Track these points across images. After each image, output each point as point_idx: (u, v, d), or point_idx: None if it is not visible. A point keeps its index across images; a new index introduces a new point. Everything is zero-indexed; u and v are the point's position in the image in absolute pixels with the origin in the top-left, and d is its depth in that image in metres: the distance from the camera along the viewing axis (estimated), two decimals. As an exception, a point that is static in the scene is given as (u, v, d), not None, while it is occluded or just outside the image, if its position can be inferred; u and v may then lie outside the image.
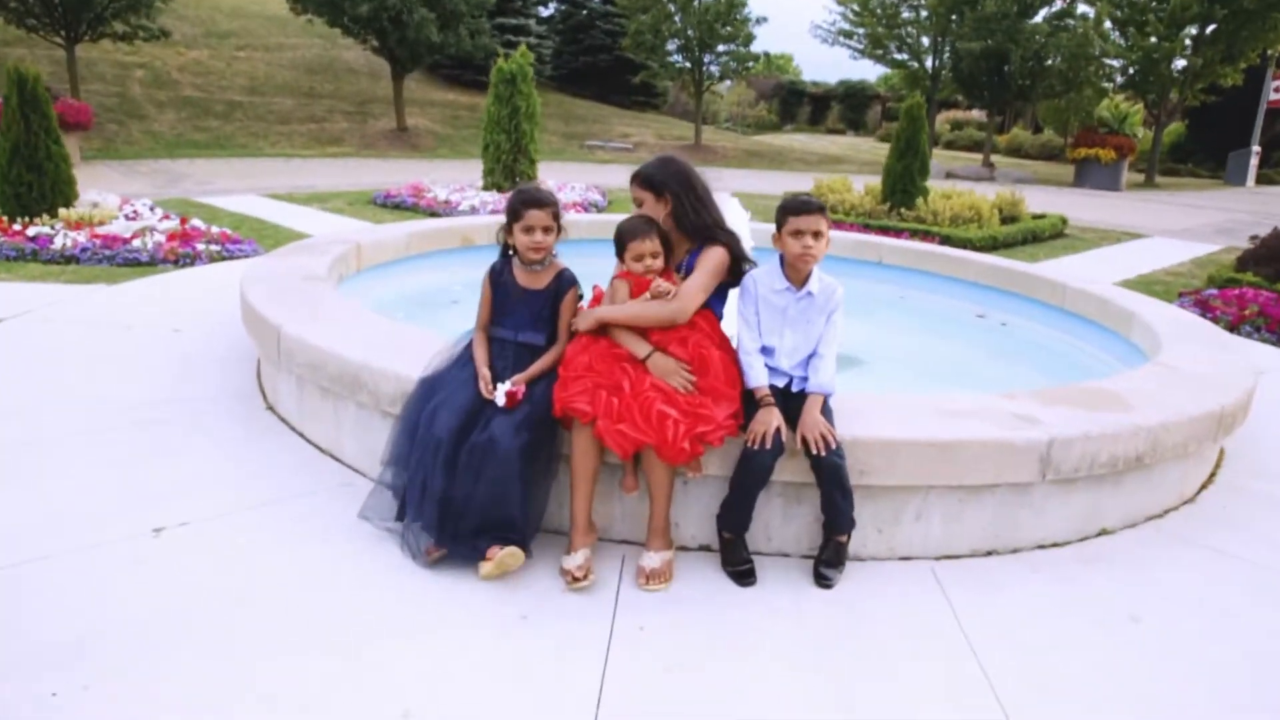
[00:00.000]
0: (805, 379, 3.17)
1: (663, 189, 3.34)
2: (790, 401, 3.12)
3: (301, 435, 4.09)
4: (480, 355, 3.31)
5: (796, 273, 3.18)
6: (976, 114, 45.04)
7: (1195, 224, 16.20)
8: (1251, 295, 8.11)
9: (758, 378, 3.10)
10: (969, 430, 3.21)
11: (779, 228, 3.18)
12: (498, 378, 3.16)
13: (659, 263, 3.27)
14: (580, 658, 2.62)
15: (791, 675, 2.60)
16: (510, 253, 3.38)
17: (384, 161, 21.18)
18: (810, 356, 3.19)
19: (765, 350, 3.20)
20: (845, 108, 56.60)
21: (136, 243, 8.04)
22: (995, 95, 27.61)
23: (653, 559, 3.04)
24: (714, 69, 28.22)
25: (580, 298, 3.38)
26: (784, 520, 3.26)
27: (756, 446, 2.92)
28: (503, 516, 3.00)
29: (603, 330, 3.23)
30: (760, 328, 3.21)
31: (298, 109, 25.06)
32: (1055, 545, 3.49)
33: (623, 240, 3.27)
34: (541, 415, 3.09)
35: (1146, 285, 9.39)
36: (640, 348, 3.12)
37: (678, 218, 3.34)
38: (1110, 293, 6.16)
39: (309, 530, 3.26)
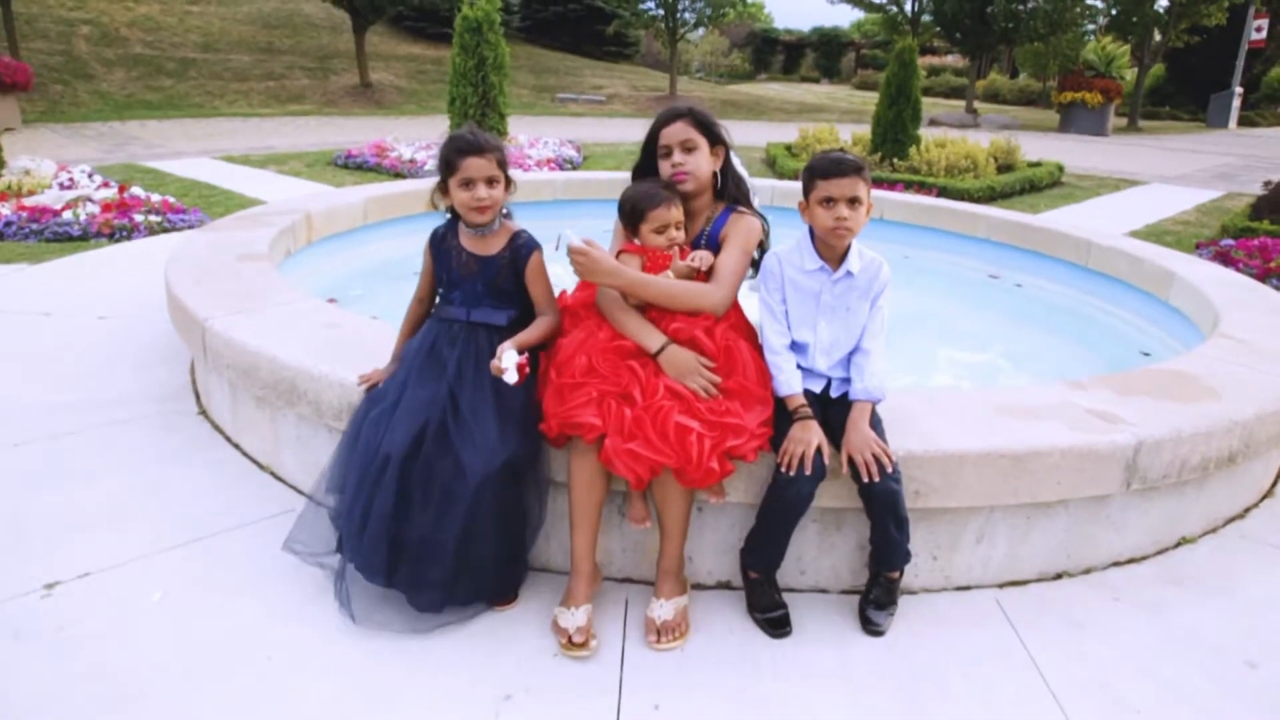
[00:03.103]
0: (846, 381, 2.57)
1: (719, 137, 2.75)
2: (829, 409, 2.53)
3: (237, 447, 3.46)
4: (399, 338, 2.80)
5: (830, 249, 2.55)
6: (952, 60, 44.20)
7: (1190, 169, 15.67)
8: (1274, 246, 7.59)
9: (789, 383, 2.48)
10: (1043, 436, 2.63)
11: (806, 193, 2.54)
12: (444, 367, 2.54)
13: (682, 235, 2.66)
14: (580, 756, 2.05)
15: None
16: (453, 215, 2.73)
17: (347, 119, 20.19)
18: (852, 353, 2.58)
19: (796, 347, 2.59)
20: (819, 55, 55.61)
21: (68, 215, 7.25)
22: (977, 39, 26.78)
23: (664, 609, 2.46)
24: (688, 16, 27.23)
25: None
26: (820, 550, 2.69)
27: (793, 472, 2.33)
28: (480, 564, 2.41)
29: (589, 311, 2.63)
30: (789, 319, 2.59)
31: (255, 66, 23.88)
32: (1132, 561, 2.95)
33: (640, 208, 2.62)
34: (528, 422, 2.48)
35: (1157, 236, 8.85)
36: (652, 338, 2.50)
37: (723, 176, 2.75)
38: (1142, 249, 5.60)
39: (239, 578, 2.66)
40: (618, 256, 2.67)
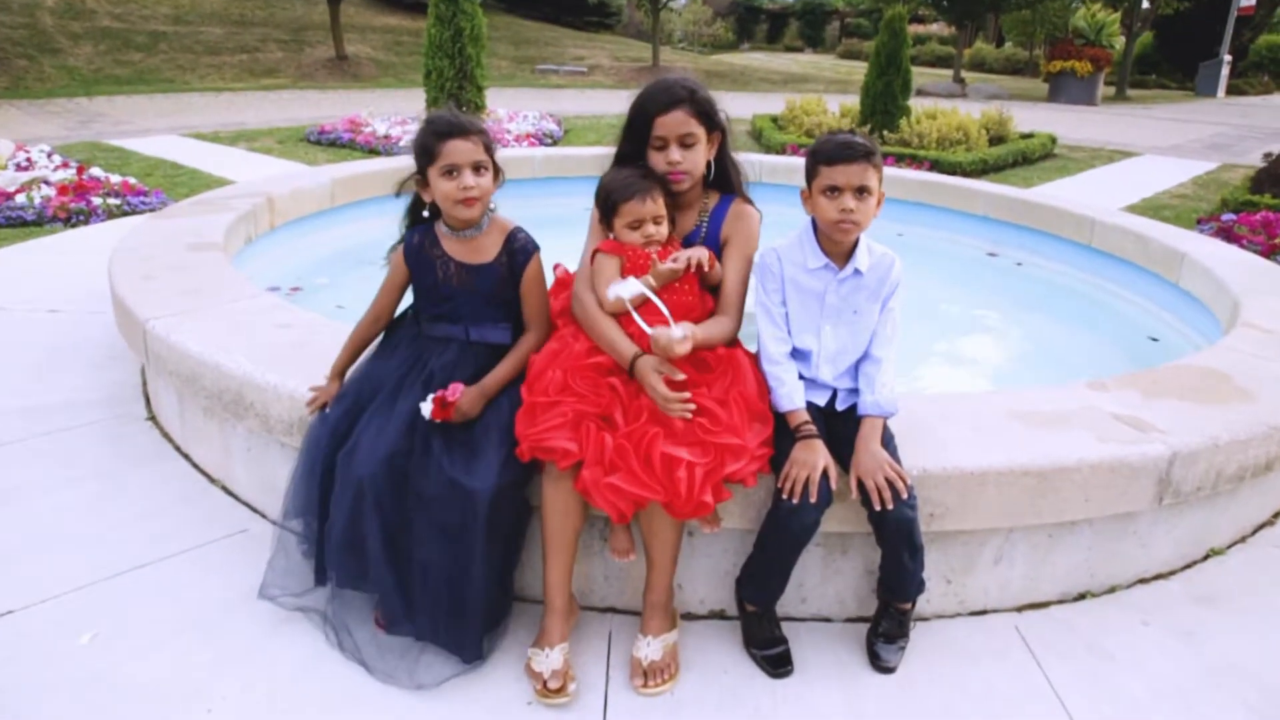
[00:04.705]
0: (853, 392, 2.31)
1: (717, 123, 2.40)
2: (834, 424, 2.27)
3: (188, 458, 3.18)
4: (341, 356, 2.46)
5: (836, 245, 2.28)
6: (937, 28, 43.67)
7: (1183, 140, 15.41)
8: (1277, 221, 7.37)
9: (791, 396, 2.21)
10: (1068, 449, 2.38)
11: (809, 180, 2.26)
12: (432, 380, 2.27)
13: (663, 231, 2.34)
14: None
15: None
16: (426, 214, 2.39)
17: (323, 93, 19.65)
18: (860, 361, 2.32)
19: (798, 355, 2.32)
20: (803, 24, 54.92)
21: (21, 198, 6.89)
22: (964, 6, 26.33)
23: (652, 648, 2.21)
24: (671, -16, 26.67)
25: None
26: (824, 577, 2.44)
27: (796, 499, 2.07)
28: (487, 596, 2.18)
29: (564, 320, 2.37)
30: (789, 324, 2.32)
31: (228, 38, 23.22)
32: (1159, 577, 2.73)
33: (613, 200, 2.31)
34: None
35: (1155, 210, 8.61)
36: (622, 348, 2.22)
37: (720, 165, 2.44)
38: (1148, 227, 5.35)
39: (182, 615, 2.38)
40: (593, 256, 2.37)
